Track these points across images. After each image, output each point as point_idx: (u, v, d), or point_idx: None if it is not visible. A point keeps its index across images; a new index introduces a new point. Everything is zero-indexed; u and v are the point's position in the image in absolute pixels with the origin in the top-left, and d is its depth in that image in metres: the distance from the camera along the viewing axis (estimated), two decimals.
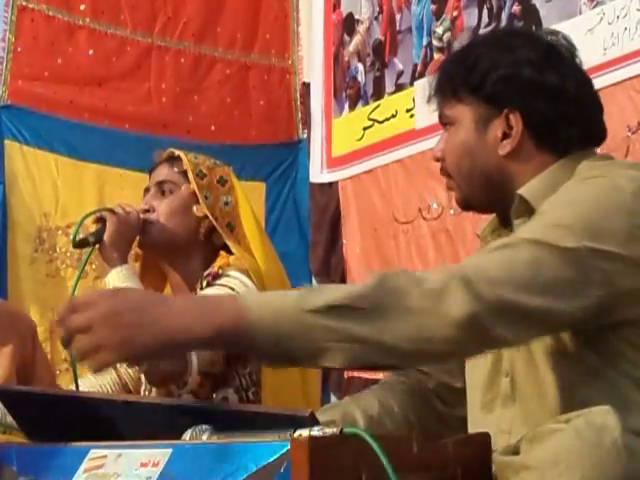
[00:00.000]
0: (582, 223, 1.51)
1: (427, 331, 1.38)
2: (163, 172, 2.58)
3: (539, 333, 1.52)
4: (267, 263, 2.51)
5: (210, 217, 2.49)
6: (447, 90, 1.74)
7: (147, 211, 2.53)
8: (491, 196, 1.75)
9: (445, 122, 1.78)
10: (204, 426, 1.34)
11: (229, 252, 2.51)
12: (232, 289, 2.36)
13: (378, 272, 1.44)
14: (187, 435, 1.34)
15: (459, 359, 1.77)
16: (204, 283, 2.42)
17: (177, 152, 2.59)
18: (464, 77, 1.71)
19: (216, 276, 2.42)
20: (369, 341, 1.38)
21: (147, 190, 2.62)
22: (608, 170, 1.63)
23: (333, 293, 1.40)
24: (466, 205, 1.81)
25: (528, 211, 1.66)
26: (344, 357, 1.38)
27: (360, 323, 1.37)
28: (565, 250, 1.47)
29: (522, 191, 1.68)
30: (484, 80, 1.70)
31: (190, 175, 2.52)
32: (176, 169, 2.55)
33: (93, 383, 2.56)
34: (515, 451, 1.40)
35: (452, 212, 4.10)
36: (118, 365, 2.55)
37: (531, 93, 1.69)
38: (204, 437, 1.33)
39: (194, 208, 2.52)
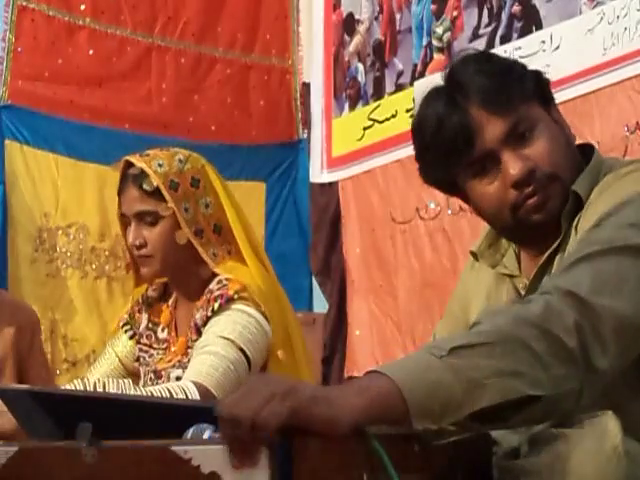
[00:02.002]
0: None
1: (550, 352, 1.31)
2: (134, 198, 2.40)
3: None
4: (260, 269, 2.45)
5: (193, 240, 2.38)
6: (515, 100, 1.66)
7: (140, 246, 2.40)
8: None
9: (517, 134, 1.66)
10: (205, 425, 1.34)
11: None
12: (246, 327, 2.32)
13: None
14: (189, 434, 1.34)
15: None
16: (216, 305, 2.33)
17: (138, 164, 2.38)
18: (523, 84, 1.69)
19: (230, 299, 2.35)
20: (513, 372, 1.28)
21: (123, 216, 2.45)
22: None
23: (456, 339, 1.32)
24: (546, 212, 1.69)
25: (577, 208, 1.64)
26: (498, 391, 1.27)
27: (490, 357, 1.28)
28: None
29: (576, 188, 1.65)
30: (529, 82, 1.70)
31: (165, 193, 2.36)
32: (146, 188, 2.37)
33: (102, 373, 2.52)
34: (515, 455, 1.38)
35: (450, 212, 4.11)
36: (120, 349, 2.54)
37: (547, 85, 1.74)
38: (205, 435, 1.33)
39: (176, 235, 2.39)
